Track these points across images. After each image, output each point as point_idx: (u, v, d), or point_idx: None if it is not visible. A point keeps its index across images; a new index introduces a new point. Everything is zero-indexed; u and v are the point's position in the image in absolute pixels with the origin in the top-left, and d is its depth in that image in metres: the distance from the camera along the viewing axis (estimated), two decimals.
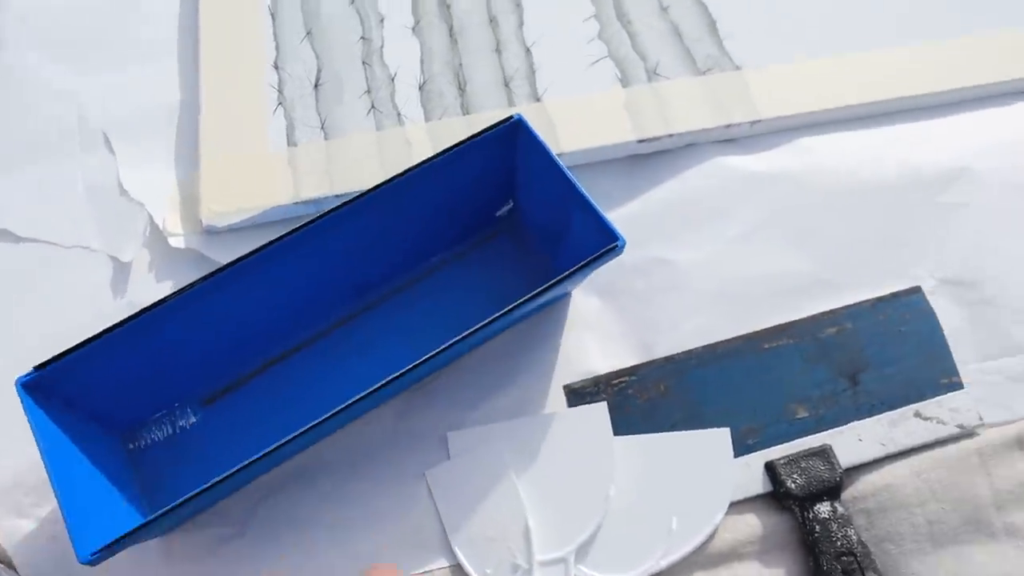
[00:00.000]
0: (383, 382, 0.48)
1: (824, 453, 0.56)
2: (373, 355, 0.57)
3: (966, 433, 0.57)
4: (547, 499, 0.54)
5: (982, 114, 0.69)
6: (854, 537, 0.53)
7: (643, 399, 0.58)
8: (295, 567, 0.53)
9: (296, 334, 0.59)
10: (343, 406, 0.48)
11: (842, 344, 0.59)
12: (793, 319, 0.60)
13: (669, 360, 0.59)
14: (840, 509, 0.54)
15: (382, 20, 0.70)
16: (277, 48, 0.68)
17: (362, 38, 0.69)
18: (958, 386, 0.58)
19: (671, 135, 0.64)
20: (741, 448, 0.56)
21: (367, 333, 0.60)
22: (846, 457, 0.56)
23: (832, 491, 0.55)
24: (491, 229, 0.63)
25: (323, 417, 0.47)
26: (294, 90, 0.65)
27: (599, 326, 0.60)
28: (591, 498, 0.54)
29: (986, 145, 0.67)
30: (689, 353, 0.59)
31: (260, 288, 0.54)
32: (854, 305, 0.61)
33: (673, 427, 0.57)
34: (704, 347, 0.59)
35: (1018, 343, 0.60)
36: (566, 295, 0.61)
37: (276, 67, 0.66)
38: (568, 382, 0.58)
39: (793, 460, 0.56)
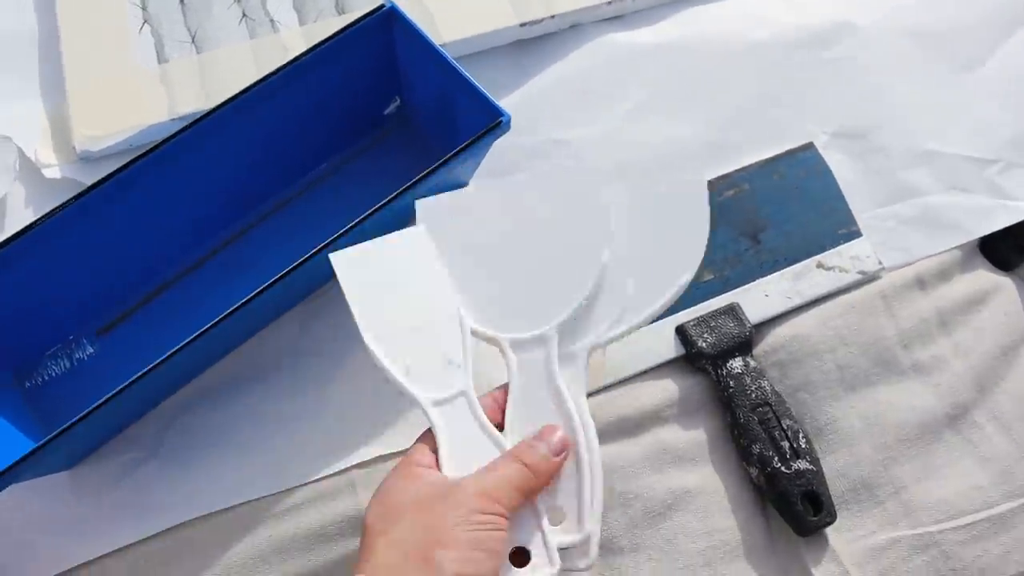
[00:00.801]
0: (269, 283, 0.47)
1: (732, 311, 0.56)
2: (271, 270, 0.55)
3: (868, 278, 0.58)
4: (520, 273, 0.46)
5: None
6: (768, 388, 0.54)
7: None
8: (211, 481, 0.51)
9: (186, 254, 0.57)
10: (231, 310, 0.46)
11: (741, 205, 0.60)
12: None
13: None
14: (752, 363, 0.55)
15: None
16: None
17: None
18: (856, 234, 0.59)
19: (553, 16, 0.63)
20: None
21: (262, 248, 0.58)
22: (754, 313, 0.56)
23: (743, 346, 0.55)
24: (380, 130, 0.61)
25: (210, 324, 0.46)
26: (159, 6, 0.62)
27: None
28: (578, 268, 0.46)
29: None
30: None
31: (138, 207, 0.52)
32: (749, 166, 0.61)
33: None
34: None
35: (910, 187, 0.61)
36: (464, 185, 0.60)
37: None
38: None
39: (703, 320, 0.56)
